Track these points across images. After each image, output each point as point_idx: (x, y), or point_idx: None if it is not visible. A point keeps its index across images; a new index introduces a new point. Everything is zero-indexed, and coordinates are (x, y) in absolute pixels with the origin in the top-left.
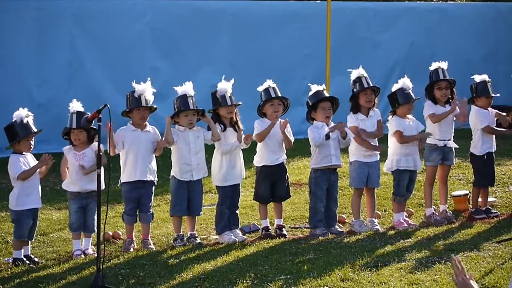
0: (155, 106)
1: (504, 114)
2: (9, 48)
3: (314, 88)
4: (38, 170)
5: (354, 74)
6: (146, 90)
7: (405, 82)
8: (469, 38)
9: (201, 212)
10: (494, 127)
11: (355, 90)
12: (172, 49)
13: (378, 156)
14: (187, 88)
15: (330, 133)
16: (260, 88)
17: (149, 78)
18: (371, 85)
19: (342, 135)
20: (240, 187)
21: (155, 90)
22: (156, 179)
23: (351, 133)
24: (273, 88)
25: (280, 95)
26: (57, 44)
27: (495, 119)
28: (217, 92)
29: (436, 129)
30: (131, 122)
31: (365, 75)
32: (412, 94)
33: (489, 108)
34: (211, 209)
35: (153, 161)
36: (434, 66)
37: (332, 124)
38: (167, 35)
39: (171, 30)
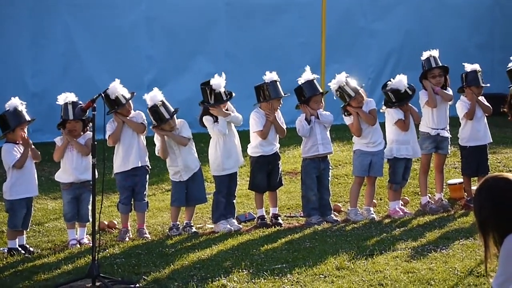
0: (134, 94)
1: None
2: (4, 38)
3: (306, 76)
4: (30, 157)
5: (334, 84)
6: (118, 89)
7: (401, 80)
8: (464, 26)
9: (206, 199)
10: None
11: (345, 98)
12: (167, 38)
13: (383, 143)
14: (154, 95)
15: (312, 118)
16: (267, 78)
17: (119, 80)
18: (358, 89)
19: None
20: (237, 175)
21: (124, 88)
22: (149, 164)
23: (328, 114)
24: (279, 82)
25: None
26: (52, 34)
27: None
28: (210, 87)
29: (430, 118)
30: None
31: (346, 81)
32: (408, 90)
33: (480, 97)
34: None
35: (143, 146)
36: (425, 55)
37: (322, 111)
38: (162, 24)
39: (166, 19)
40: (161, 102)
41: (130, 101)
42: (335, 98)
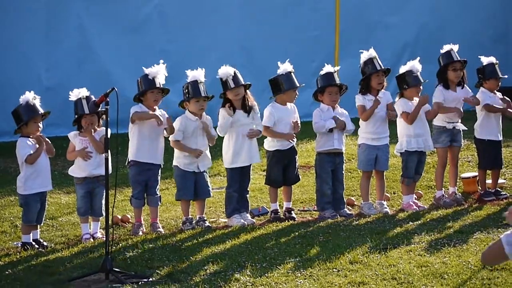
0: (168, 89)
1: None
2: (17, 32)
3: (326, 69)
4: (45, 152)
5: (365, 55)
6: (160, 72)
7: (414, 64)
8: (479, 19)
9: (211, 194)
10: (494, 106)
11: (366, 71)
12: (181, 32)
13: (388, 139)
14: (197, 74)
15: (334, 130)
16: (281, 70)
17: (162, 61)
18: (383, 67)
19: (341, 128)
20: (250, 170)
21: (166, 74)
22: (163, 162)
23: (351, 124)
24: (293, 73)
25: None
26: (66, 28)
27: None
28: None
29: None
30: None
31: (377, 56)
32: (420, 77)
33: (496, 91)
34: (219, 192)
35: (161, 144)
36: (445, 48)
37: (339, 109)
38: (175, 18)
39: (180, 13)
40: (202, 81)
41: (160, 94)
42: (361, 67)
